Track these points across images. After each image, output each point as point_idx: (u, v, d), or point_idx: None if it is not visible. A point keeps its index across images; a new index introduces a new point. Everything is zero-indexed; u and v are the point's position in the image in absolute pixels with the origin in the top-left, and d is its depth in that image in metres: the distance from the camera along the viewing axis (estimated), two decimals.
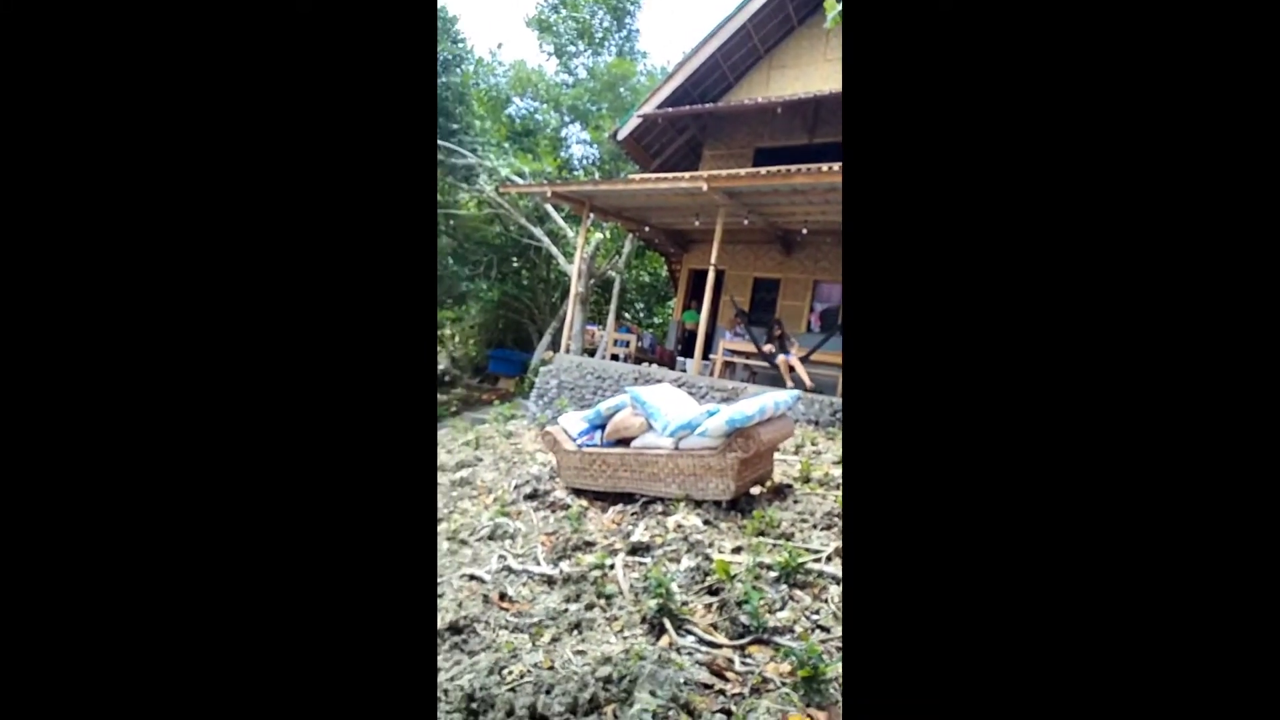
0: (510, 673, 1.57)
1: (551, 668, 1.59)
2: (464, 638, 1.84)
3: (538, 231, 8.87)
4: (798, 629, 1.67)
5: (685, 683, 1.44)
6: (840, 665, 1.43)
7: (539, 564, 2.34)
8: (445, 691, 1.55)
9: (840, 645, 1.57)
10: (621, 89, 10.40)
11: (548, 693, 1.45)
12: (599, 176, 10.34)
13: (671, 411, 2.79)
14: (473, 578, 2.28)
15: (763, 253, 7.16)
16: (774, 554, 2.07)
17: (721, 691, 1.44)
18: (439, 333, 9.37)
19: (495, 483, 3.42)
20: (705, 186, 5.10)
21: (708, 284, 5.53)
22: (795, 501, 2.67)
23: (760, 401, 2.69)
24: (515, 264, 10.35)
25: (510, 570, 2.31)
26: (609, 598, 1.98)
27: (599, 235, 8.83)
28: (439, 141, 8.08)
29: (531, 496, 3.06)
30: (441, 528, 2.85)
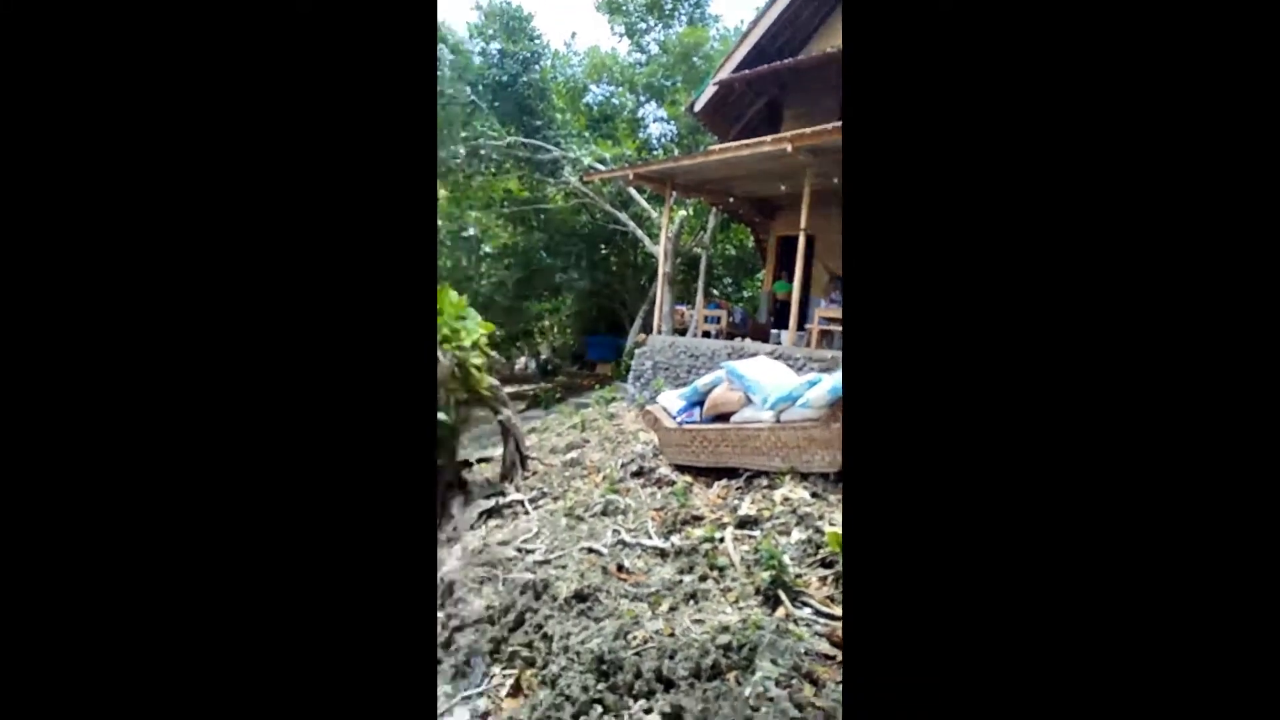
0: (634, 638, 1.68)
1: (672, 634, 1.68)
2: (589, 605, 1.99)
3: (622, 216, 8.99)
4: None
5: (806, 653, 1.46)
6: None
7: (650, 537, 2.45)
8: (577, 654, 1.70)
9: None
10: (695, 58, 10.13)
11: (671, 658, 1.54)
12: (678, 153, 10.20)
13: (770, 384, 2.75)
14: (591, 550, 2.44)
15: None
16: None
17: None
18: (539, 324, 9.87)
19: (603, 462, 3.60)
20: (789, 148, 4.86)
21: (798, 251, 5.30)
22: None
23: None
24: (604, 251, 10.59)
25: (624, 543, 2.45)
26: (721, 570, 2.03)
27: (682, 213, 8.76)
28: (524, 139, 8.42)
29: (638, 474, 3.19)
30: (558, 505, 3.06)
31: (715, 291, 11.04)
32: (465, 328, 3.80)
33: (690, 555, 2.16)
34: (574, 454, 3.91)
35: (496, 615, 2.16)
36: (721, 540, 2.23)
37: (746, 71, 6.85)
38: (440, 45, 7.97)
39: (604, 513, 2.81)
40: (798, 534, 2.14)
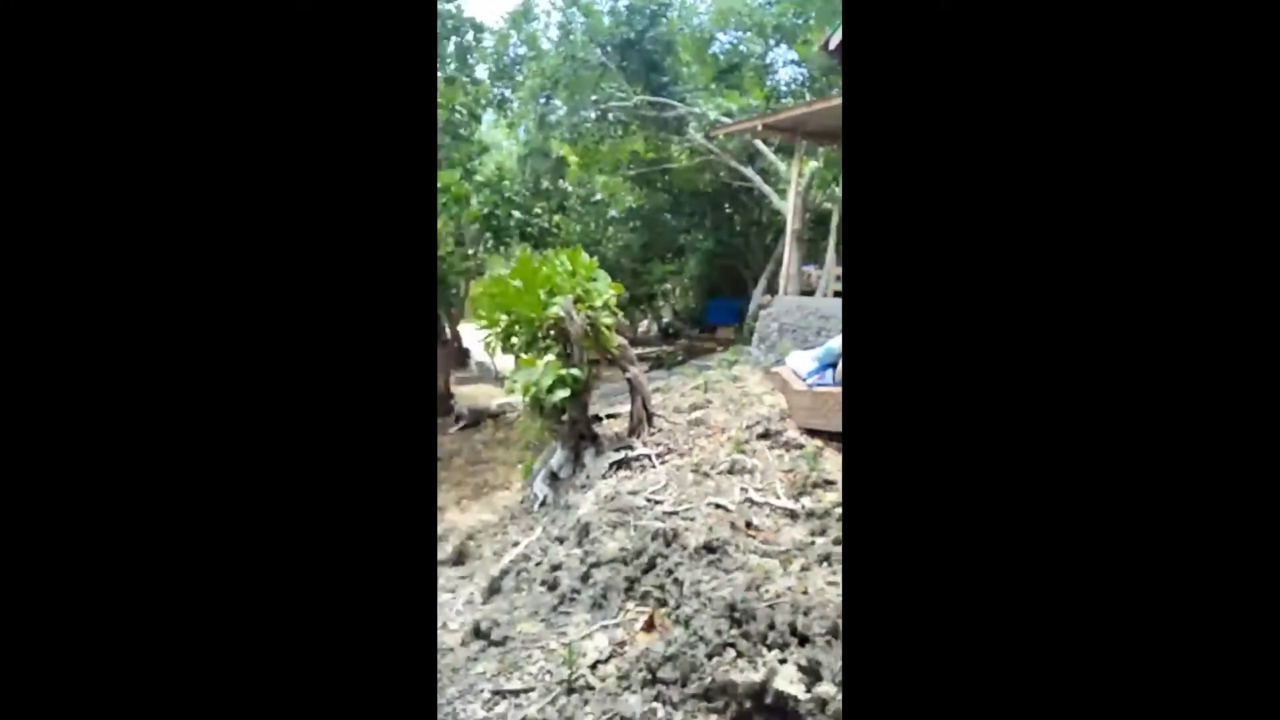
0: (767, 591, 1.70)
1: (805, 593, 1.67)
2: (718, 556, 2.04)
3: (748, 171, 8.61)
4: None
5: None
6: None
7: (779, 498, 2.42)
8: (709, 600, 1.76)
9: None
10: None
11: (805, 614, 1.53)
12: (810, 98, 9.42)
13: None
14: (718, 506, 2.49)
15: None
16: None
17: None
18: (661, 287, 9.97)
19: (727, 423, 3.60)
20: None
21: None
22: None
23: None
24: (728, 210, 10.29)
25: (752, 502, 2.45)
26: None
27: (813, 165, 8.14)
28: (650, 98, 8.35)
29: (764, 436, 3.14)
30: (684, 461, 3.14)
31: None
32: (596, 289, 3.96)
33: (823, 518, 2.11)
34: (698, 414, 3.96)
35: (629, 557, 2.30)
36: None
37: None
38: (572, 8, 8.08)
39: (730, 471, 2.83)
40: None
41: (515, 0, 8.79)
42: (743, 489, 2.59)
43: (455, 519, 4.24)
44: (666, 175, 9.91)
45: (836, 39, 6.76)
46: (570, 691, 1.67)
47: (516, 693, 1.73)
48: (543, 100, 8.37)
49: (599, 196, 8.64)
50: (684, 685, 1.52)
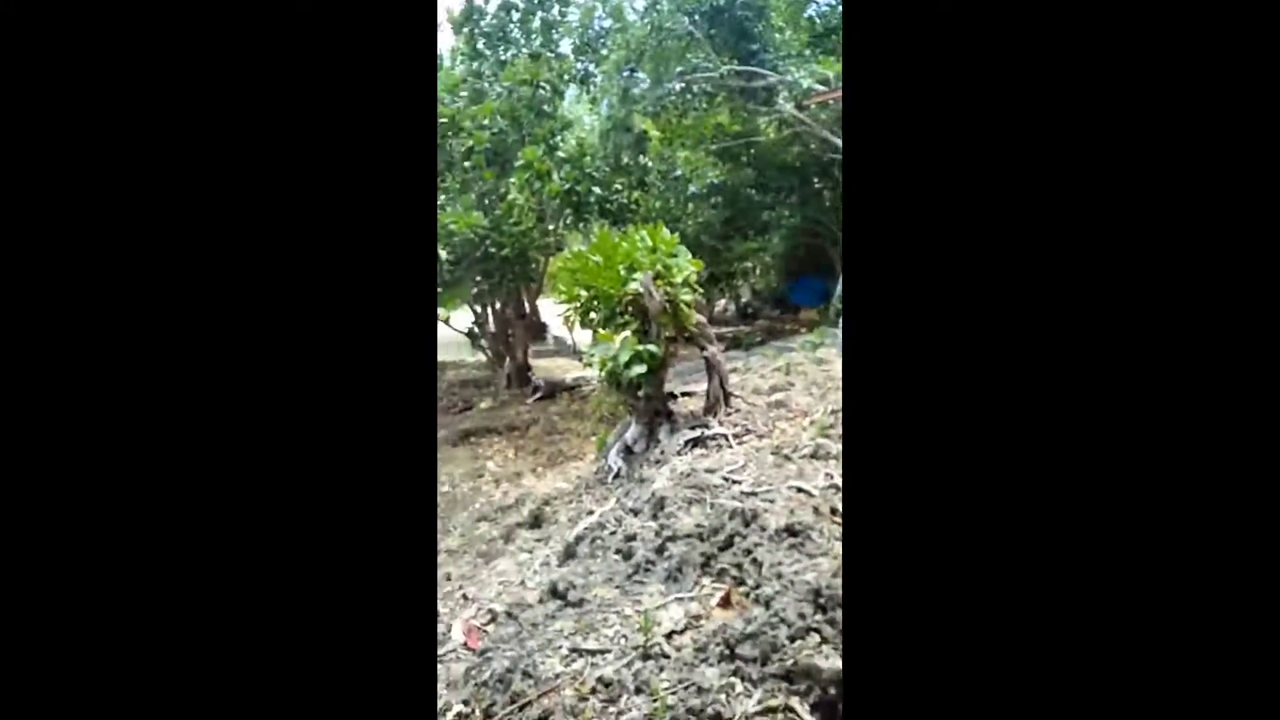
0: None
1: None
2: (800, 540, 1.97)
3: (841, 143, 8.09)
4: None
5: None
6: None
7: None
8: (790, 583, 1.70)
9: None
10: None
11: None
12: None
13: None
14: (800, 490, 2.40)
15: None
16: None
17: None
18: (741, 265, 9.69)
19: (810, 406, 3.46)
20: None
21: None
22: None
23: None
24: (816, 184, 9.76)
25: (837, 488, 2.34)
26: None
27: None
28: (738, 67, 8.02)
29: None
30: (763, 443, 3.06)
31: None
32: (677, 265, 3.91)
33: None
34: (778, 396, 3.84)
35: (706, 533, 2.28)
36: None
37: None
38: None
39: (814, 455, 2.72)
40: None
41: None
42: (827, 474, 2.48)
43: (531, 485, 4.42)
44: (752, 149, 9.52)
45: None
46: (646, 657, 1.69)
47: (593, 652, 1.77)
48: (626, 73, 8.29)
49: (680, 172, 8.47)
50: (764, 664, 1.49)
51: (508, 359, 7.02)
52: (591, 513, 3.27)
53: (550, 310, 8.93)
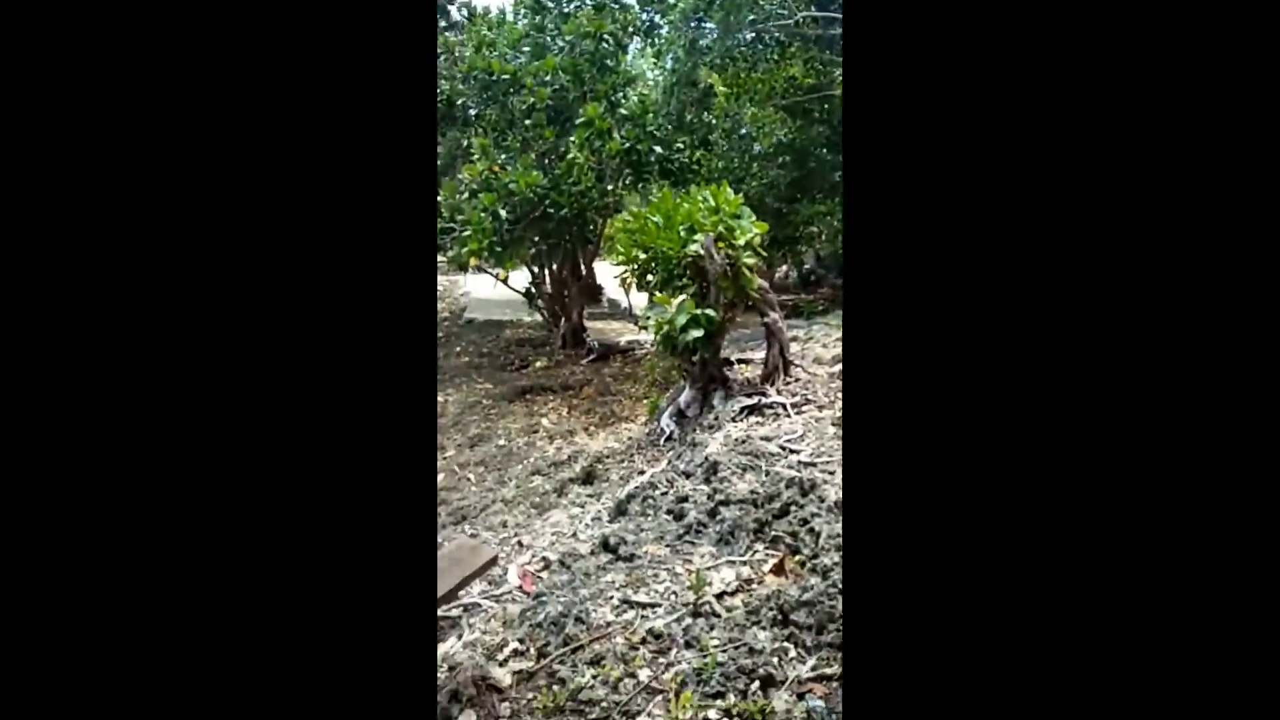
0: None
1: None
2: None
3: None
4: None
5: None
6: None
7: None
8: None
9: None
10: None
11: None
12: None
13: None
14: None
15: None
16: None
17: None
18: (805, 230, 9.23)
19: None
20: None
21: None
22: None
23: None
24: None
25: None
26: None
27: None
28: (815, 13, 7.45)
29: None
30: (824, 413, 2.96)
31: None
32: (740, 226, 3.76)
33: None
34: (841, 366, 3.68)
35: (761, 500, 2.25)
36: None
37: None
38: None
39: None
40: None
41: None
42: None
43: (584, 443, 4.51)
44: (826, 104, 8.91)
45: None
46: (696, 615, 1.70)
47: (644, 605, 1.80)
48: (694, 24, 7.89)
49: (746, 129, 8.08)
50: (819, 632, 1.46)
51: (563, 320, 7.11)
52: (643, 473, 3.30)
53: (606, 273, 8.93)
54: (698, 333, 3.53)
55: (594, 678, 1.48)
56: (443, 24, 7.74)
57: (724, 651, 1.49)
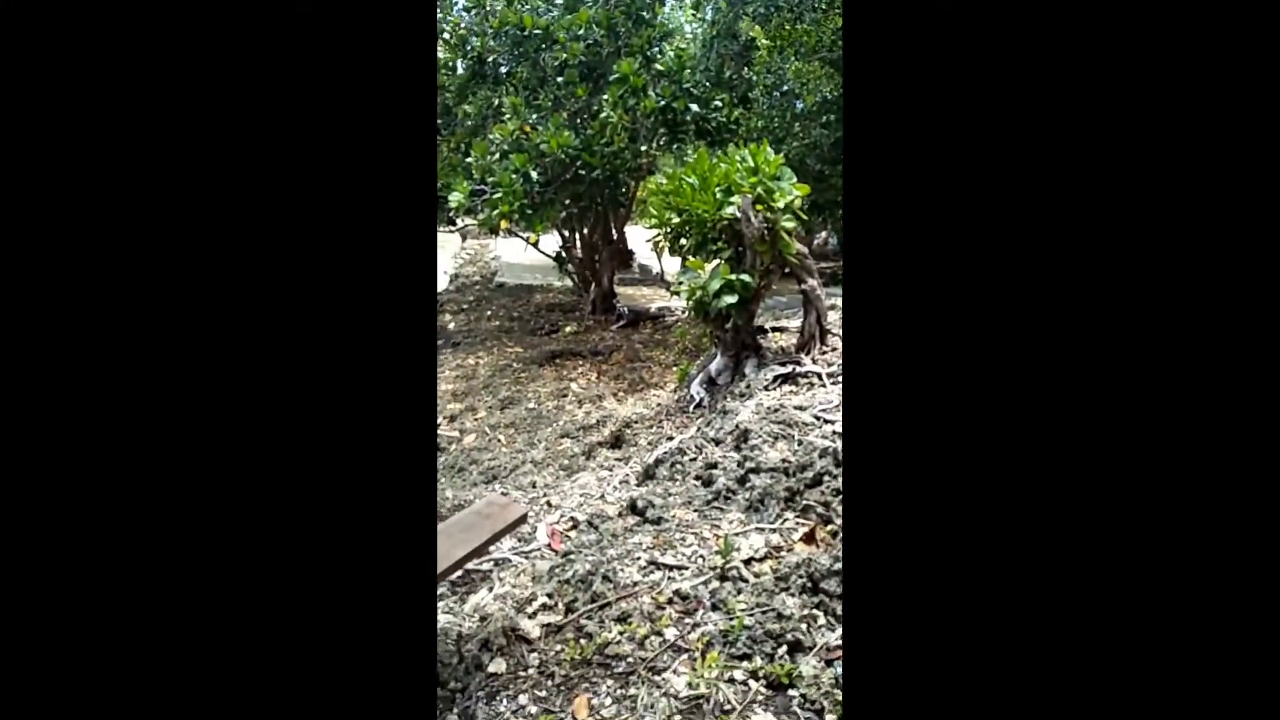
0: None
1: None
2: None
3: None
4: None
5: None
6: None
7: None
8: None
9: None
10: None
11: None
12: None
13: None
14: None
15: None
16: None
17: None
18: None
19: None
20: None
21: None
22: None
23: None
24: None
25: None
26: None
27: None
28: None
29: None
30: None
31: None
32: (780, 188, 3.60)
33: None
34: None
35: (792, 469, 2.20)
36: None
37: None
38: None
39: None
40: None
41: None
42: None
43: (612, 408, 4.52)
44: None
45: None
46: (723, 579, 1.69)
47: (671, 567, 1.81)
48: None
49: (789, 85, 7.66)
50: None
51: (593, 285, 7.07)
52: (671, 439, 3.29)
53: (638, 237, 8.79)
54: (731, 299, 3.44)
55: (620, 634, 1.50)
56: None
57: (751, 615, 1.49)
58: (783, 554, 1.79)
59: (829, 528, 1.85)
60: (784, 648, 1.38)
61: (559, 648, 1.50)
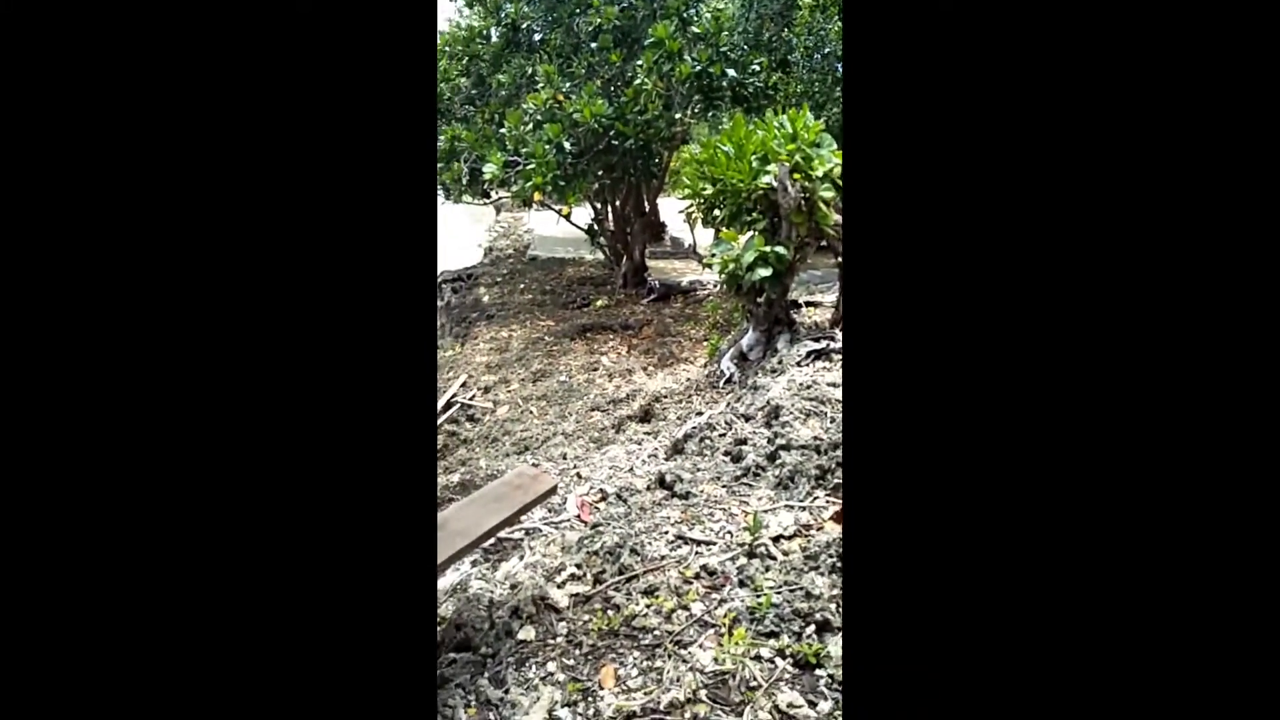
0: None
1: None
2: None
3: None
4: None
5: None
6: None
7: None
8: None
9: None
10: None
11: None
12: None
13: None
14: None
15: None
16: None
17: None
18: None
19: None
20: None
21: None
22: None
23: None
24: None
25: None
26: None
27: None
28: None
29: None
30: None
31: None
32: (819, 156, 3.44)
33: None
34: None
35: (824, 447, 2.16)
36: None
37: None
38: None
39: None
40: None
41: None
42: None
43: (642, 382, 4.52)
44: None
45: None
46: (751, 555, 1.68)
47: (698, 542, 1.81)
48: None
49: (830, 48, 7.28)
50: None
51: (625, 258, 7.01)
52: (700, 414, 3.27)
53: (670, 208, 8.63)
54: (765, 272, 3.34)
55: (647, 606, 1.51)
56: None
57: (779, 593, 1.48)
58: (812, 532, 1.77)
59: None
60: (812, 627, 1.37)
61: (587, 618, 1.53)
